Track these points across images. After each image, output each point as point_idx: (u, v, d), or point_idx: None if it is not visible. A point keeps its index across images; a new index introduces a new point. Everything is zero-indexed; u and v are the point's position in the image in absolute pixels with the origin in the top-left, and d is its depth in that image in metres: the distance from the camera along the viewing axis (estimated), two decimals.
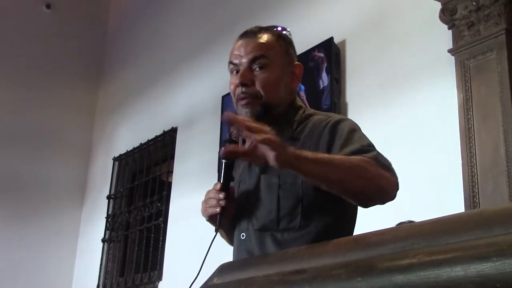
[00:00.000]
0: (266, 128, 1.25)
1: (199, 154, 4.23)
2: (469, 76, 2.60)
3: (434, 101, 2.78)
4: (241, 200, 1.53)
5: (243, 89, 1.51)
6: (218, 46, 4.44)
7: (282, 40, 1.62)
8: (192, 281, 1.37)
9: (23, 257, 5.28)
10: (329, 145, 1.46)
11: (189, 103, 4.58)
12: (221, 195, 1.44)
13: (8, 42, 5.70)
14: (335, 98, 3.23)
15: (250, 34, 1.61)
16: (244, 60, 1.54)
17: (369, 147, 1.44)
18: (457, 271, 0.64)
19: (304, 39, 3.58)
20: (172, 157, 4.72)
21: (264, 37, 1.58)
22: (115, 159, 5.44)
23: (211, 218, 1.47)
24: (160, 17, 5.41)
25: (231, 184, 1.50)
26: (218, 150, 3.98)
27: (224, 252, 1.61)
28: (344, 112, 3.21)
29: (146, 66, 5.44)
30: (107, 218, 5.25)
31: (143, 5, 5.76)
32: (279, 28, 1.66)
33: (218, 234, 1.51)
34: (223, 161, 1.46)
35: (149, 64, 5.40)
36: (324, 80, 3.32)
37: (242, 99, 1.51)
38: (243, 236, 1.49)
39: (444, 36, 2.77)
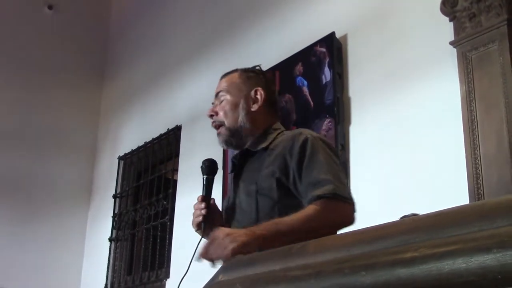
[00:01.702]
0: (221, 253, 1.50)
1: (204, 151, 4.24)
2: (471, 68, 2.60)
3: (437, 94, 2.78)
4: (228, 208, 1.88)
5: (212, 120, 1.92)
6: (221, 43, 4.44)
7: (243, 73, 1.96)
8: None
9: (31, 257, 5.31)
10: (298, 163, 1.71)
11: (193, 101, 4.59)
12: (202, 205, 1.78)
13: (11, 43, 5.72)
14: (338, 92, 3.23)
15: (222, 76, 1.99)
16: (214, 97, 1.95)
17: (325, 177, 1.64)
18: (459, 264, 0.65)
19: (306, 34, 3.59)
20: (177, 155, 4.73)
21: (229, 76, 1.97)
22: (120, 158, 5.46)
23: (199, 228, 1.77)
24: (162, 16, 5.41)
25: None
26: (223, 148, 3.99)
27: None
28: (348, 106, 3.22)
29: (149, 64, 5.44)
30: (113, 217, 5.27)
31: (146, 5, 5.77)
32: (247, 68, 2.01)
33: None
34: (204, 176, 1.86)
35: (152, 62, 5.40)
36: (327, 75, 3.32)
37: (215, 128, 1.92)
38: None
39: (445, 28, 2.77)
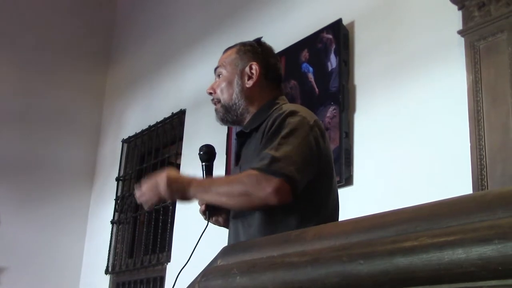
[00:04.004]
0: (156, 182, 1.66)
1: (208, 136, 4.23)
2: (478, 58, 2.57)
3: (443, 83, 2.76)
4: None
5: (211, 97, 1.92)
6: (227, 27, 4.42)
7: (241, 48, 1.93)
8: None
9: (33, 238, 5.33)
10: (264, 141, 1.69)
11: (198, 85, 4.57)
12: None
13: (18, 25, 5.71)
14: (343, 80, 3.21)
15: (224, 51, 1.98)
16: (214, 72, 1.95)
17: (270, 153, 1.60)
18: (459, 254, 0.64)
19: (312, 21, 3.56)
20: (180, 139, 4.73)
21: (228, 51, 1.95)
22: (124, 141, 5.46)
23: (204, 215, 1.79)
24: (169, 0, 5.39)
25: None
26: (227, 132, 3.99)
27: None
28: (353, 94, 3.20)
29: (155, 48, 5.43)
30: (116, 200, 5.28)
31: None
32: (247, 42, 1.97)
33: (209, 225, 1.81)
34: (203, 164, 1.86)
35: (158, 46, 5.39)
36: (333, 62, 3.30)
37: (214, 104, 1.92)
38: (230, 227, 1.80)
39: (454, 17, 2.74)
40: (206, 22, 4.76)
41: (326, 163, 1.72)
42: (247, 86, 1.86)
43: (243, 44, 1.94)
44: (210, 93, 1.92)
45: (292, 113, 1.69)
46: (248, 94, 1.86)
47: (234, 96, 1.86)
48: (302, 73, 3.50)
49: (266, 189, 1.53)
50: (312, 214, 1.67)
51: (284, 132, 1.64)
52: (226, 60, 1.91)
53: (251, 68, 1.87)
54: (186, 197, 1.65)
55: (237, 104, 1.86)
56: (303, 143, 1.63)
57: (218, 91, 1.89)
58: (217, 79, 1.92)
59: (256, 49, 1.92)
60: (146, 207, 1.82)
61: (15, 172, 5.40)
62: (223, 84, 1.88)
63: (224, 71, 1.90)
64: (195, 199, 1.67)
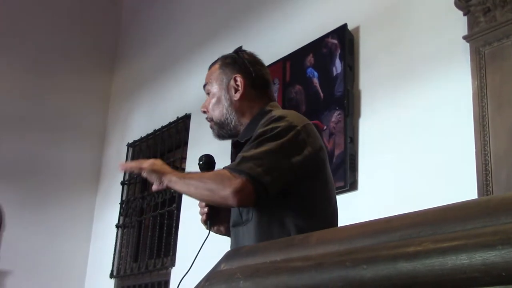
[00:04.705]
0: (144, 161, 1.74)
1: (213, 140, 4.19)
2: (484, 63, 2.57)
3: (448, 88, 2.76)
4: None
5: (206, 116, 1.94)
6: (232, 32, 4.43)
7: (222, 62, 1.93)
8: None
9: (38, 241, 5.34)
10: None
11: (203, 90, 4.57)
12: (202, 204, 1.81)
13: (24, 27, 5.73)
14: (348, 85, 3.21)
15: (208, 68, 2.00)
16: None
17: (243, 154, 1.63)
18: (462, 259, 0.64)
19: (317, 26, 3.56)
20: (185, 144, 4.73)
21: (211, 68, 1.96)
22: (129, 145, 5.47)
23: (206, 225, 1.82)
24: (174, 4, 5.40)
25: None
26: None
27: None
28: (358, 99, 3.20)
29: (160, 52, 5.44)
30: (121, 204, 5.29)
31: None
32: (227, 54, 1.97)
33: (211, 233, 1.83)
34: None
35: (163, 50, 5.40)
36: (338, 67, 3.30)
37: (209, 122, 1.94)
38: (231, 235, 1.80)
39: (459, 22, 2.74)
40: (211, 27, 4.77)
41: (316, 168, 1.69)
42: (235, 99, 1.86)
43: (225, 58, 1.95)
44: (204, 112, 1.94)
45: (278, 119, 1.68)
46: (237, 107, 1.87)
47: (224, 111, 1.87)
48: (307, 78, 3.50)
49: (226, 189, 1.55)
50: (308, 221, 1.64)
51: (264, 136, 1.63)
52: (212, 77, 1.93)
53: (235, 81, 1.87)
54: (161, 180, 1.69)
55: (229, 118, 1.87)
56: (281, 147, 1.61)
57: (210, 109, 1.91)
58: (207, 96, 1.94)
59: (237, 60, 1.91)
60: (121, 168, 1.90)
61: (20, 176, 5.41)
62: (213, 102, 1.90)
63: (211, 88, 1.92)
64: (169, 186, 1.70)
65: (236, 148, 1.88)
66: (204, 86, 1.96)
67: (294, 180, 1.63)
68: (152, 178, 1.72)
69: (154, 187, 1.74)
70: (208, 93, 1.94)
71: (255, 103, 1.87)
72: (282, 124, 1.65)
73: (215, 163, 1.88)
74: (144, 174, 1.74)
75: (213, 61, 1.98)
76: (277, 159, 1.60)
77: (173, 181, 1.68)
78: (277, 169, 1.59)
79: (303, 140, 1.65)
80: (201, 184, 1.63)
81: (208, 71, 1.98)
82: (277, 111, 1.78)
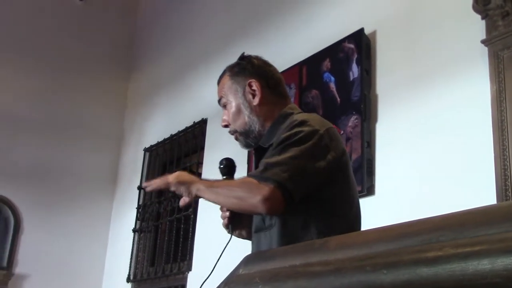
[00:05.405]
0: (169, 176, 1.76)
1: (229, 145, 4.22)
2: (502, 67, 2.55)
3: (467, 93, 2.74)
4: None
5: (228, 129, 1.90)
6: (248, 37, 4.43)
7: (230, 72, 1.91)
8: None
9: (55, 245, 5.38)
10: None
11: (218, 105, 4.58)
12: (224, 208, 1.78)
13: (42, 33, 5.79)
14: (365, 90, 3.20)
15: (217, 83, 1.97)
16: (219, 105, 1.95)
17: (266, 160, 1.63)
18: (484, 264, 0.63)
19: (334, 30, 3.56)
20: (202, 148, 4.74)
21: (221, 81, 1.93)
22: (146, 150, 5.49)
23: (227, 229, 1.81)
24: (190, 10, 5.42)
25: None
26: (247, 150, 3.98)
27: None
28: (375, 103, 3.19)
29: (176, 57, 5.46)
30: (138, 208, 5.31)
31: None
32: (232, 64, 1.94)
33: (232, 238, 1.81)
34: (223, 177, 1.84)
35: (179, 55, 5.42)
36: (354, 71, 3.30)
37: (233, 135, 1.90)
38: (252, 240, 1.80)
39: (477, 26, 2.72)
40: (227, 32, 4.78)
41: (339, 172, 1.69)
42: (255, 104, 1.84)
43: (231, 67, 1.92)
44: (226, 126, 1.91)
45: (301, 123, 1.67)
46: (258, 112, 1.84)
47: (247, 119, 1.85)
48: (324, 82, 3.50)
49: (256, 197, 1.54)
50: (331, 225, 1.64)
51: (288, 141, 1.62)
52: (224, 90, 1.90)
53: (251, 86, 1.85)
54: (189, 191, 1.70)
55: (252, 126, 1.84)
56: (305, 152, 1.60)
57: (231, 121, 1.88)
58: (225, 110, 1.91)
59: (245, 66, 1.89)
60: (148, 189, 1.85)
61: (38, 180, 5.46)
62: (233, 112, 1.87)
63: (228, 101, 1.89)
64: (198, 195, 1.70)
65: (257, 153, 1.87)
66: (219, 101, 1.93)
67: (319, 185, 1.63)
68: (180, 190, 1.72)
69: (182, 202, 1.75)
70: (224, 106, 1.91)
71: (274, 105, 1.86)
72: (305, 129, 1.64)
73: (235, 166, 1.87)
74: (172, 188, 1.74)
75: (220, 74, 1.96)
76: (301, 164, 1.59)
77: (201, 190, 1.69)
78: (302, 175, 1.59)
79: (326, 144, 1.65)
80: (230, 193, 1.64)
81: (218, 85, 1.95)
82: (299, 115, 1.76)
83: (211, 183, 1.73)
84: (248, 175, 1.64)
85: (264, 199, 1.53)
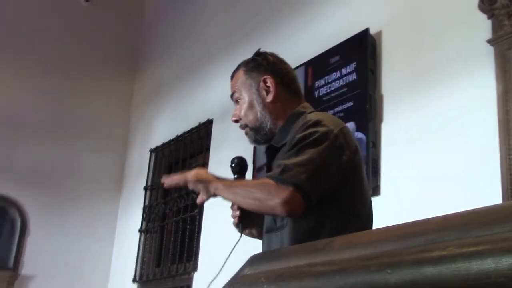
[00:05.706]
0: (188, 173, 1.78)
1: (235, 146, 4.24)
2: (509, 67, 2.54)
3: (472, 93, 2.73)
4: None
5: (238, 124, 1.90)
6: (254, 36, 4.44)
7: (245, 68, 1.90)
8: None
9: (62, 245, 5.40)
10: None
11: (225, 95, 4.55)
12: (235, 206, 1.78)
13: (48, 34, 5.81)
14: (370, 89, 3.20)
15: (230, 77, 1.96)
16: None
17: (284, 162, 1.61)
18: (488, 264, 0.63)
19: (339, 30, 3.56)
20: (207, 149, 4.75)
21: (235, 76, 1.93)
22: (151, 150, 5.50)
23: (237, 228, 1.82)
24: (195, 10, 5.43)
25: None
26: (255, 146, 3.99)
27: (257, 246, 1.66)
28: (380, 103, 3.18)
29: (182, 58, 5.47)
30: (143, 209, 5.32)
31: None
32: (247, 59, 1.94)
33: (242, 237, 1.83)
34: (235, 176, 1.85)
35: (184, 56, 5.43)
36: (360, 71, 3.29)
37: (243, 129, 1.90)
38: (263, 240, 1.80)
39: (483, 26, 2.72)
40: (232, 33, 4.79)
41: (353, 171, 1.68)
42: (268, 100, 1.84)
43: (246, 63, 1.92)
44: (236, 121, 1.90)
45: (316, 123, 1.66)
46: (271, 109, 1.84)
47: (259, 115, 1.84)
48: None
49: (275, 199, 1.54)
50: (344, 225, 1.63)
51: (304, 142, 1.61)
52: (238, 84, 1.89)
53: (265, 82, 1.84)
54: (208, 190, 1.71)
55: (264, 122, 1.84)
56: (321, 153, 1.60)
57: (242, 116, 1.87)
58: (237, 105, 1.90)
59: (260, 62, 1.89)
60: (166, 184, 1.88)
61: (44, 181, 5.47)
62: (245, 107, 1.86)
63: (241, 96, 1.88)
64: (217, 194, 1.71)
65: (269, 152, 1.86)
66: (232, 95, 1.92)
67: (335, 186, 1.63)
68: (199, 188, 1.73)
69: (200, 199, 1.75)
70: (236, 101, 1.90)
71: (288, 104, 1.85)
72: (320, 129, 1.63)
73: (247, 165, 1.88)
74: (190, 186, 1.75)
75: (234, 69, 1.95)
76: (319, 166, 1.59)
77: (219, 189, 1.69)
78: (320, 177, 1.59)
79: (341, 144, 1.64)
80: (248, 194, 1.63)
81: (232, 80, 1.94)
82: (312, 115, 1.75)
83: (230, 183, 1.72)
84: (266, 176, 1.62)
85: (283, 201, 1.53)
